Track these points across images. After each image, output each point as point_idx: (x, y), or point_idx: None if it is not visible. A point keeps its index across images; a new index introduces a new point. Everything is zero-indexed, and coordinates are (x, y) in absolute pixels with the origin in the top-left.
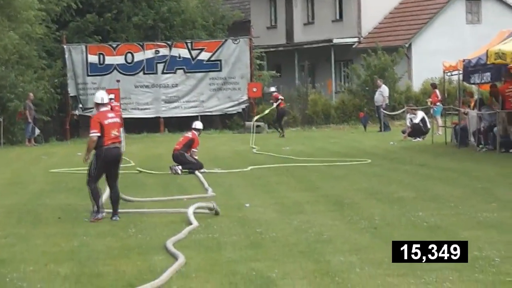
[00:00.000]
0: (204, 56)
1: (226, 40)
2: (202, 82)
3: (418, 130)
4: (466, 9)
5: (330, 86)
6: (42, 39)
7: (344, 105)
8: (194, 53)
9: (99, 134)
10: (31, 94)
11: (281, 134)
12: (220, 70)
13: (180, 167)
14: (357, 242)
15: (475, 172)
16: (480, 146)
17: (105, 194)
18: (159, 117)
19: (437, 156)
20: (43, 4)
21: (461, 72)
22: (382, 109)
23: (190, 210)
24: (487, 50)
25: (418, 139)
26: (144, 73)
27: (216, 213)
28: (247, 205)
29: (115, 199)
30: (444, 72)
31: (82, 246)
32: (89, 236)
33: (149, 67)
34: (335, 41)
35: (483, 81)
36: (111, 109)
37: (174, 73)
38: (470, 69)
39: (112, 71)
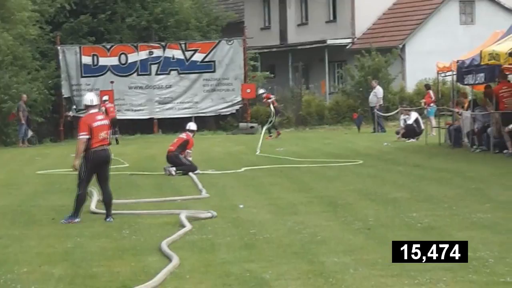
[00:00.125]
0: (198, 57)
1: (220, 41)
2: (196, 83)
3: (412, 131)
4: (460, 10)
5: (324, 87)
6: (36, 40)
7: (338, 106)
8: (188, 54)
9: (88, 136)
10: (24, 96)
11: (273, 134)
12: (214, 71)
13: (174, 168)
14: (351, 243)
15: (469, 172)
16: (474, 147)
17: (94, 199)
18: (153, 118)
19: (431, 157)
20: (36, 5)
21: (455, 73)
22: (376, 110)
23: (183, 216)
24: (481, 51)
25: (412, 140)
26: (138, 74)
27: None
28: (241, 206)
29: (107, 201)
30: (438, 73)
31: (76, 247)
32: (83, 237)
33: (143, 68)
34: (329, 42)
35: (476, 82)
36: (106, 110)
37: (168, 74)
38: (464, 70)
39: (106, 72)
